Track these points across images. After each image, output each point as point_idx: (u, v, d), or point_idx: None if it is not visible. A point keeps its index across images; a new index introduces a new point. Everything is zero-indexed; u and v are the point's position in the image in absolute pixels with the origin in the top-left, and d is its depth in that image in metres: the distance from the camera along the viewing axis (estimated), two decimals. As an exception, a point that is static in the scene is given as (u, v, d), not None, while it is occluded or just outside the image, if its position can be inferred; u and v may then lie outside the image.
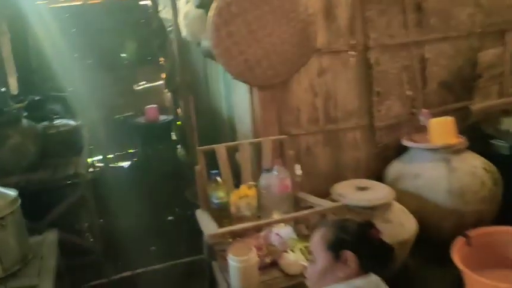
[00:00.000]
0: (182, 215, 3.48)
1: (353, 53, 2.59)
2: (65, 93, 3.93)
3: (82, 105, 4.33)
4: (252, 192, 2.21)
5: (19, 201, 1.88)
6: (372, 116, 2.66)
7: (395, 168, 2.60)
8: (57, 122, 2.85)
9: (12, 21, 4.06)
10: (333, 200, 2.34)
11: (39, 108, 3.16)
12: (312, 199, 2.22)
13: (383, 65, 2.63)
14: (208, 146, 2.26)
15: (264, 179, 2.22)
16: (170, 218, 3.55)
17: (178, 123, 4.72)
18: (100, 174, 4.51)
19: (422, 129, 2.64)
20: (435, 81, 2.77)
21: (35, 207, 2.53)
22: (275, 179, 2.22)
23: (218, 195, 2.19)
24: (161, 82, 5.20)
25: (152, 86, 5.26)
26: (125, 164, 4.96)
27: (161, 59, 5.10)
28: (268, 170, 2.21)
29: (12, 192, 1.87)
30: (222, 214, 2.20)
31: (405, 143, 2.60)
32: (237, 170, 2.36)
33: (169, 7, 4.08)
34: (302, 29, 2.35)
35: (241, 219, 2.17)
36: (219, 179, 2.23)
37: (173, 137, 4.88)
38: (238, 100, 2.70)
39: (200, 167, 2.23)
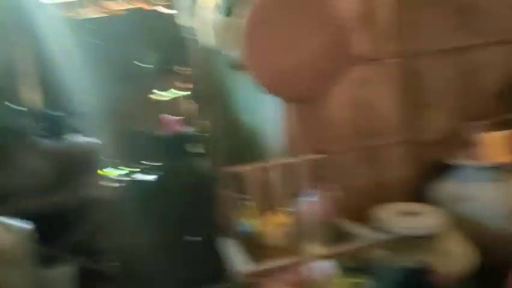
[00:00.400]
0: (208, 236, 3.27)
1: (394, 60, 2.34)
2: (85, 107, 3.79)
3: (103, 118, 4.20)
4: (287, 219, 1.99)
5: (33, 236, 1.71)
6: (416, 130, 2.41)
7: (443, 188, 2.34)
8: (75, 139, 2.69)
9: (32, 34, 3.96)
10: (375, 227, 2.11)
11: (57, 124, 3.01)
12: (355, 228, 1.98)
13: (428, 73, 2.38)
14: (236, 167, 2.05)
15: (301, 205, 1.99)
16: (194, 239, 3.34)
17: (203, 135, 4.54)
18: (119, 190, 4.36)
19: (473, 144, 2.38)
20: (484, 90, 2.50)
21: (52, 231, 2.38)
22: (313, 204, 2.00)
23: (249, 223, 1.98)
24: (182, 92, 5.04)
25: (174, 96, 5.11)
26: (146, 177, 4.80)
27: (183, 68, 4.94)
28: (305, 195, 1.98)
29: (25, 226, 1.70)
30: (253, 244, 1.98)
31: (455, 160, 2.33)
32: (266, 192, 2.14)
33: (192, 15, 3.91)
34: (339, 36, 2.11)
35: (274, 249, 1.96)
36: (248, 203, 2.03)
37: (196, 149, 4.69)
38: (268, 114, 2.48)
39: (227, 191, 2.03)
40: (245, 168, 2.03)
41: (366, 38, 2.29)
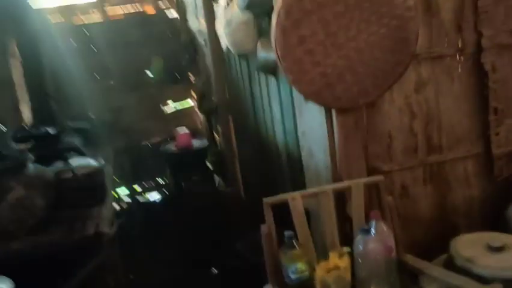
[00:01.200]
0: (230, 267, 2.83)
1: (459, 57, 1.92)
2: (85, 122, 3.38)
3: (105, 133, 3.79)
4: (344, 262, 1.55)
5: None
6: (489, 141, 1.97)
7: (524, 211, 1.90)
8: (73, 162, 2.27)
9: (23, 42, 3.55)
10: (453, 265, 1.67)
11: (52, 144, 2.60)
12: (436, 271, 1.54)
13: (501, 71, 1.95)
14: (278, 197, 1.62)
15: (361, 243, 1.56)
16: (214, 271, 2.90)
17: (217, 149, 4.11)
18: (126, 211, 3.93)
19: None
20: None
21: (46, 276, 1.95)
22: (375, 241, 1.56)
23: (297, 268, 1.55)
24: (191, 102, 4.63)
25: (182, 107, 4.69)
26: (155, 197, 4.37)
27: (192, 76, 4.53)
28: (367, 230, 1.55)
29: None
30: (301, 293, 1.56)
31: (538, 176, 1.90)
32: (316, 226, 1.72)
33: (201, 17, 3.51)
34: (398, 28, 1.69)
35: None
36: (294, 241, 1.59)
37: (208, 165, 4.26)
38: (307, 127, 2.05)
39: (268, 227, 1.60)
40: (291, 198, 1.59)
41: (427, 29, 1.86)
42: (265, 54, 2.07)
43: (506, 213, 1.97)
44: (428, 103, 1.91)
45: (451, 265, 1.69)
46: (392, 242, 1.60)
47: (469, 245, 1.71)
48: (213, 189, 3.98)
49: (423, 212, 1.97)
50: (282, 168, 2.64)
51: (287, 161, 2.54)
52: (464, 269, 1.61)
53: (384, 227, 1.60)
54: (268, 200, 1.60)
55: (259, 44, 2.15)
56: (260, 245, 1.65)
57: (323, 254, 1.66)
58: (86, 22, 4.38)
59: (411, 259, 1.66)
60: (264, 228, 1.59)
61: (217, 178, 4.10)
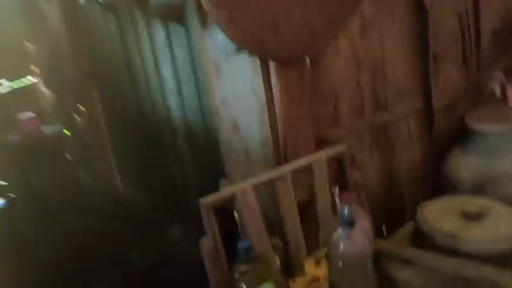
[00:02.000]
0: (124, 282, 2.20)
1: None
2: None
3: None
4: (323, 270, 1.13)
5: None
6: (429, 93, 1.74)
7: (468, 168, 1.72)
8: None
9: None
10: (427, 242, 1.39)
11: None
12: (427, 258, 1.21)
13: (439, 10, 1.71)
14: (220, 194, 1.10)
15: (344, 239, 1.14)
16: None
17: (77, 135, 3.27)
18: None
19: (491, 104, 1.83)
20: (488, 32, 1.94)
21: None
22: (358, 234, 1.16)
23: (259, 289, 1.07)
24: (35, 79, 3.64)
25: (21, 85, 3.67)
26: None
27: (31, 45, 3.53)
28: (351, 222, 1.13)
29: None
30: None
31: (479, 126, 1.73)
32: (277, 227, 1.24)
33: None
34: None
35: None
36: (251, 253, 1.10)
37: (65, 157, 3.41)
38: (229, 92, 1.52)
39: (212, 240, 1.07)
40: (240, 192, 1.08)
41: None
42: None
43: (443, 170, 1.79)
44: (373, 50, 1.57)
45: (423, 241, 1.41)
46: (371, 231, 1.23)
47: (440, 216, 1.44)
48: (77, 186, 3.18)
49: (372, 184, 1.66)
50: (179, 152, 2.08)
51: (187, 142, 1.99)
52: (447, 247, 1.33)
53: (363, 214, 1.22)
54: (207, 200, 1.07)
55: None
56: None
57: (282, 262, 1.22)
58: None
59: (386, 246, 1.32)
60: (206, 242, 1.07)
61: (82, 172, 3.29)
